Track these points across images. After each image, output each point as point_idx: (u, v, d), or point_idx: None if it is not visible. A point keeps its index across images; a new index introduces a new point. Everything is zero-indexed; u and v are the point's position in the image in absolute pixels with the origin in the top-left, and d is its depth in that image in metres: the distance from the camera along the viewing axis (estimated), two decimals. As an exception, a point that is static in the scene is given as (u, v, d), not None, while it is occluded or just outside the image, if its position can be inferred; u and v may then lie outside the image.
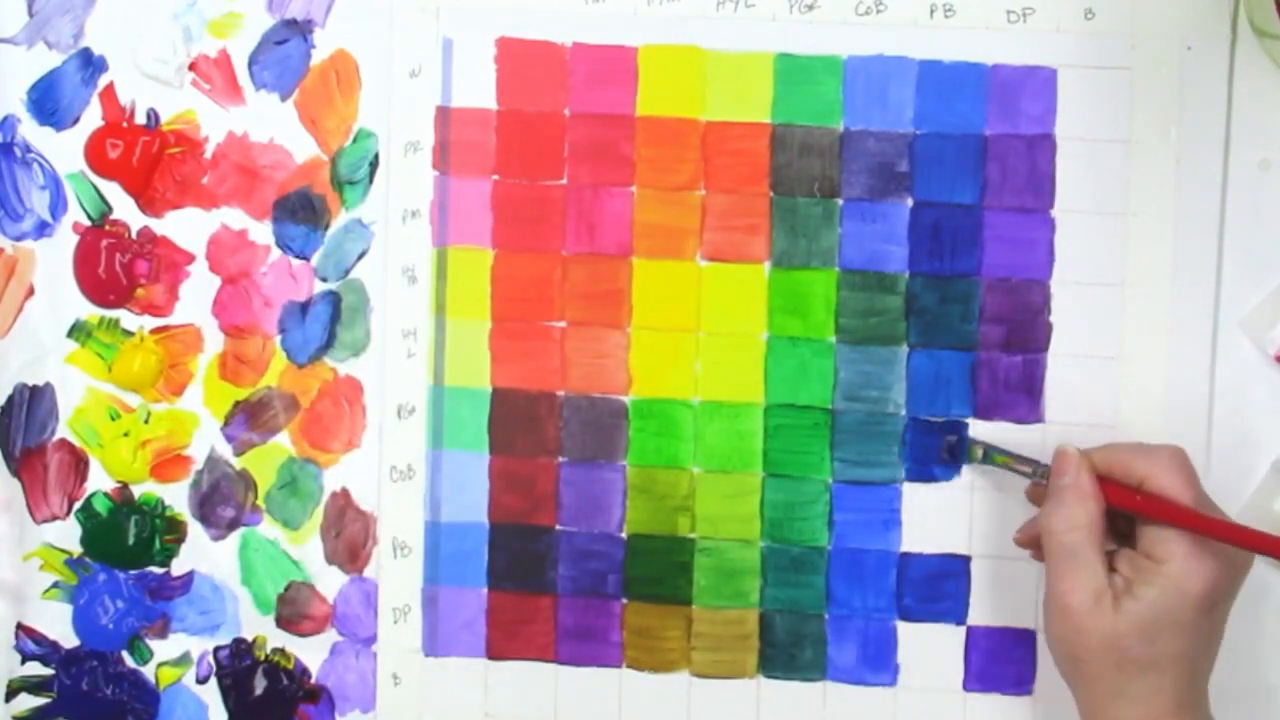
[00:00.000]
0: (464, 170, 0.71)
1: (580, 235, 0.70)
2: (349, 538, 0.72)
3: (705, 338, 0.70)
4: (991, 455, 0.67)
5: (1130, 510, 0.61)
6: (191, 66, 0.72)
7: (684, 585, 0.71)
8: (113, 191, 0.73)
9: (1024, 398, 0.68)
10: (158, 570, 0.73)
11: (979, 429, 0.69)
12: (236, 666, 0.73)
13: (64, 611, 0.74)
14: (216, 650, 0.73)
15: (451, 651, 0.72)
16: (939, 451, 0.68)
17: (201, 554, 0.73)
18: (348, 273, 0.72)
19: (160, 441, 0.73)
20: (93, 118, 0.72)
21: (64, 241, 0.73)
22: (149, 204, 0.73)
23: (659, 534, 0.71)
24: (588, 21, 0.70)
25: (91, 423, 0.73)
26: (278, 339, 0.72)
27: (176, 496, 0.73)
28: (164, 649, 0.74)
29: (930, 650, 0.69)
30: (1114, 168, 0.67)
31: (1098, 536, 0.61)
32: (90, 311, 0.73)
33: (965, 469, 0.69)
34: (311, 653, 0.73)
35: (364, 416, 0.72)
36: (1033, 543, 0.65)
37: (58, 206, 0.73)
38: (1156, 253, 0.67)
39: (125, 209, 0.73)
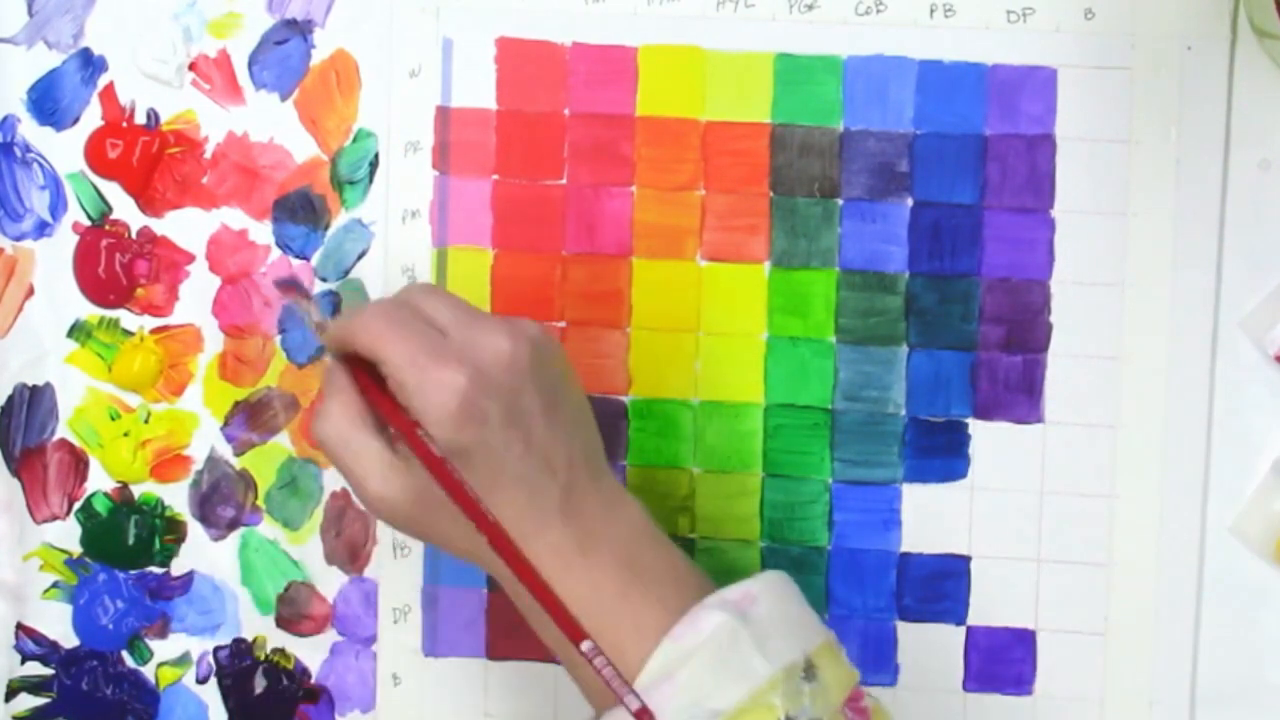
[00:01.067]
0: (464, 170, 0.71)
1: (580, 235, 0.70)
2: (349, 538, 0.72)
3: (705, 338, 0.70)
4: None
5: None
6: (191, 66, 0.72)
7: (684, 585, 0.71)
8: (113, 191, 0.72)
9: (1024, 398, 0.68)
10: (158, 570, 0.73)
11: (975, 428, 0.69)
12: (236, 666, 0.73)
13: (64, 611, 0.74)
14: (216, 650, 0.73)
15: (451, 652, 0.72)
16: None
17: (201, 554, 0.73)
18: (348, 273, 0.72)
19: (160, 441, 0.73)
20: (93, 118, 0.72)
21: (64, 241, 0.73)
22: (149, 204, 0.73)
23: (659, 534, 0.71)
24: (588, 21, 0.70)
25: (91, 423, 0.73)
26: (278, 339, 0.72)
27: (176, 496, 0.73)
28: (164, 649, 0.74)
29: (930, 650, 0.69)
30: (1114, 168, 0.67)
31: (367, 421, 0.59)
32: (90, 311, 0.73)
33: (969, 469, 0.69)
34: (311, 653, 0.73)
35: (364, 416, 0.72)
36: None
37: (58, 206, 0.73)
38: (1156, 253, 0.67)
39: (125, 209, 0.72)
